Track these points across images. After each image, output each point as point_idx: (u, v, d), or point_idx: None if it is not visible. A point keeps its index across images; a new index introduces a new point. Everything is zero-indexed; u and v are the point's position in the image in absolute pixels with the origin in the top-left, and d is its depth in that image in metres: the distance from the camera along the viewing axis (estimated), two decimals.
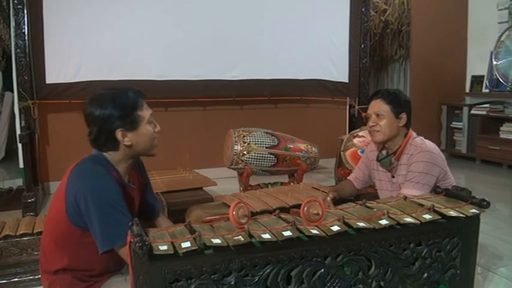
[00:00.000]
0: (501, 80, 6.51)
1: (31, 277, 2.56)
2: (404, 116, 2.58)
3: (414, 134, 2.64)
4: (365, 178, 2.92)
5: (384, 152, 2.70)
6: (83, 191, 1.68)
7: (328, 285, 1.63)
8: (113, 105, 1.80)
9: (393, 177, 2.67)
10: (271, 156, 4.15)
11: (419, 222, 1.71)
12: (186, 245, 1.42)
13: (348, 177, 3.07)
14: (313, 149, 4.39)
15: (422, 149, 2.53)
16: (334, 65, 5.79)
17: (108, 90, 1.88)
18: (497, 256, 3.15)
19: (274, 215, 1.73)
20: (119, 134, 1.81)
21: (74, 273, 1.79)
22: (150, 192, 2.21)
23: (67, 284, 1.79)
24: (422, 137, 2.64)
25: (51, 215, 1.85)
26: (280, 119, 5.72)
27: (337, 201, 2.69)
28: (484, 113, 6.58)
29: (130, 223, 1.52)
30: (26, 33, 4.35)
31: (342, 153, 4.61)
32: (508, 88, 6.43)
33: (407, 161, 2.56)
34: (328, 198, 2.72)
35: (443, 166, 2.55)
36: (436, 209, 1.80)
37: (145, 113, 1.88)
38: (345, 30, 5.81)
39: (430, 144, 2.59)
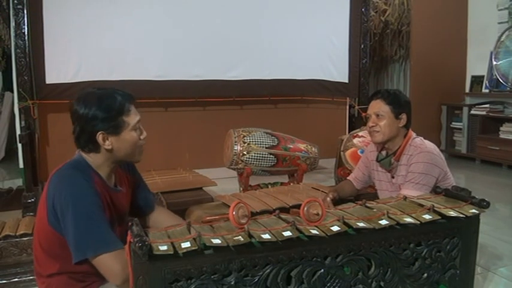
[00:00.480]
0: (501, 80, 6.51)
1: (31, 277, 2.56)
2: (404, 116, 2.58)
3: (414, 135, 2.64)
4: (365, 178, 2.92)
5: (384, 153, 2.71)
6: (59, 198, 1.66)
7: (328, 285, 1.63)
8: (98, 106, 1.75)
9: (393, 177, 2.67)
10: (271, 156, 4.15)
11: (419, 222, 1.71)
12: (186, 245, 1.42)
13: (348, 178, 3.07)
14: (313, 149, 4.39)
15: (422, 149, 2.53)
16: (334, 65, 5.79)
17: (97, 89, 1.83)
18: (497, 256, 3.16)
19: (274, 215, 1.73)
20: (99, 136, 1.76)
21: (69, 273, 1.77)
22: (143, 190, 2.16)
23: (63, 285, 1.77)
24: (421, 138, 2.64)
25: (37, 221, 1.82)
26: (280, 119, 5.72)
27: (337, 202, 2.69)
28: (484, 113, 6.59)
29: (131, 228, 1.50)
30: (26, 33, 4.35)
31: (341, 153, 4.61)
32: (508, 88, 6.44)
33: (407, 162, 2.56)
34: (328, 199, 2.72)
35: (443, 167, 2.55)
36: (436, 209, 1.80)
37: (132, 118, 1.82)
38: (345, 31, 5.81)
39: (429, 145, 2.59)
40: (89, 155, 1.82)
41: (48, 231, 1.72)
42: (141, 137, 1.88)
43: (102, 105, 1.75)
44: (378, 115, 2.59)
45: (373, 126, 2.61)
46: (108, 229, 1.67)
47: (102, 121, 1.75)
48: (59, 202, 1.66)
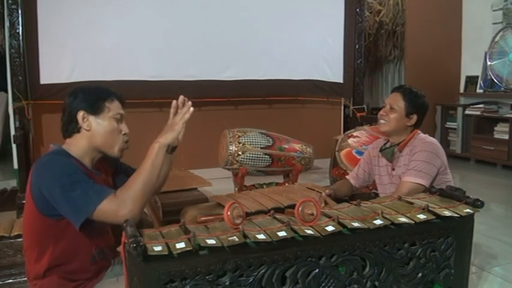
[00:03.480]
0: (495, 81, 6.54)
1: (25, 278, 2.54)
2: (414, 117, 2.64)
3: (420, 132, 2.70)
4: (365, 176, 2.95)
5: (388, 145, 2.75)
6: (44, 178, 1.70)
7: (322, 285, 1.63)
8: (82, 92, 1.88)
9: (393, 169, 2.70)
10: (266, 156, 4.15)
11: (413, 222, 1.71)
12: (180, 245, 1.41)
13: (347, 176, 3.10)
14: (308, 149, 4.40)
15: (426, 140, 2.61)
16: (328, 65, 5.81)
17: (86, 85, 1.97)
18: (491, 255, 3.17)
19: (269, 216, 1.73)
20: (80, 114, 1.83)
21: (60, 272, 1.79)
22: (125, 167, 2.18)
23: (55, 285, 1.78)
24: (427, 134, 2.71)
25: (25, 218, 1.85)
26: (275, 119, 5.73)
27: (333, 201, 2.71)
28: (479, 113, 6.62)
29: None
30: (21, 33, 4.35)
31: (336, 153, 4.62)
32: (502, 88, 6.47)
33: (410, 152, 2.61)
34: (324, 194, 2.75)
35: (444, 160, 2.62)
36: (430, 209, 1.80)
37: (114, 107, 1.90)
38: (340, 31, 5.83)
39: (433, 139, 2.68)
40: (70, 141, 1.88)
41: (39, 219, 1.75)
42: (122, 131, 1.93)
43: (86, 91, 1.89)
44: (391, 107, 2.66)
45: (383, 115, 2.69)
46: (94, 184, 1.72)
47: (84, 101, 1.85)
48: (45, 183, 1.69)
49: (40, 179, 1.71)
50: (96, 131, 1.86)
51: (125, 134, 1.94)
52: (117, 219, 1.65)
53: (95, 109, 1.85)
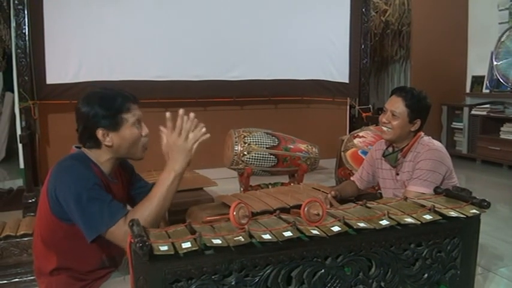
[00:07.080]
0: (501, 81, 6.52)
1: (31, 277, 2.56)
2: (418, 122, 2.58)
3: (422, 134, 2.65)
4: (369, 178, 2.92)
5: (390, 149, 2.71)
6: (61, 185, 1.71)
7: (328, 285, 1.62)
8: (99, 104, 1.81)
9: (397, 174, 2.68)
10: (272, 156, 4.15)
11: (419, 222, 1.70)
12: (186, 245, 1.41)
13: (352, 178, 3.07)
14: (314, 149, 4.39)
15: (430, 147, 2.55)
16: (334, 65, 5.80)
17: (102, 89, 1.90)
18: (497, 256, 3.16)
19: (275, 216, 1.73)
20: (99, 133, 1.81)
21: (69, 272, 1.80)
22: (140, 180, 2.20)
23: (63, 284, 1.79)
24: (430, 137, 2.65)
25: (38, 216, 1.86)
26: (280, 119, 5.72)
27: (339, 202, 2.69)
28: (485, 113, 6.60)
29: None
30: (27, 33, 4.37)
31: (342, 153, 4.61)
32: (509, 88, 6.45)
33: (414, 159, 2.57)
34: (329, 195, 2.72)
35: (450, 165, 2.57)
36: (436, 209, 1.80)
37: (131, 116, 1.87)
38: (345, 31, 5.83)
39: (437, 143, 2.61)
40: (91, 151, 1.87)
41: (51, 221, 1.76)
42: (143, 134, 1.92)
43: (102, 103, 1.82)
44: (393, 114, 2.57)
45: (385, 123, 2.61)
46: (111, 203, 1.72)
47: (102, 118, 1.81)
48: (61, 190, 1.70)
49: (57, 184, 1.72)
50: (119, 144, 1.86)
51: (145, 135, 1.94)
52: (124, 245, 1.64)
53: (114, 125, 1.83)
